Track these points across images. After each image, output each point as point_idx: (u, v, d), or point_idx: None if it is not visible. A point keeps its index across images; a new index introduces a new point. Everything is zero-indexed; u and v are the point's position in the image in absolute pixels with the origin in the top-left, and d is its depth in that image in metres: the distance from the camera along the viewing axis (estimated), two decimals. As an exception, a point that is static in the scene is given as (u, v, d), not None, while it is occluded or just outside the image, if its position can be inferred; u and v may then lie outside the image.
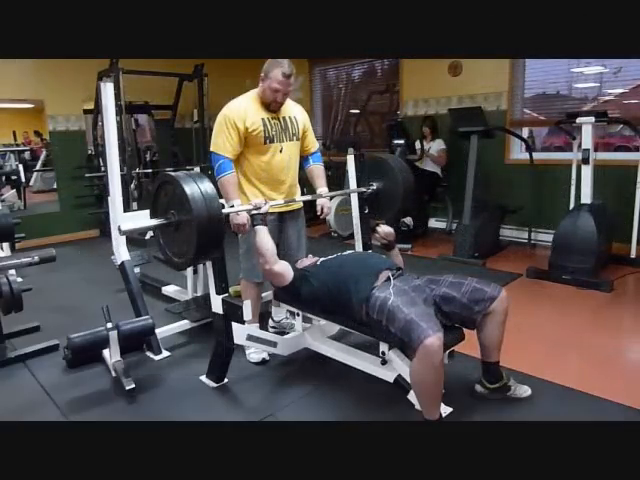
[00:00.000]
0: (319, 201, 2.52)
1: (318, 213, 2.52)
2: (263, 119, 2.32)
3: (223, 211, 1.93)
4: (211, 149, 2.33)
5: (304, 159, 2.62)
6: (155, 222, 1.93)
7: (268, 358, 2.46)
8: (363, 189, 2.67)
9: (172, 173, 1.88)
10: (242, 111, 2.29)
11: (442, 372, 1.72)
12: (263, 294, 2.75)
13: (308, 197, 2.52)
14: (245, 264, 2.49)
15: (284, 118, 2.40)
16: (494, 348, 2.00)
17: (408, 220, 4.89)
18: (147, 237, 4.54)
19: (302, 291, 2.17)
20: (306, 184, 2.78)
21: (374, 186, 2.66)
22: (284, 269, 2.18)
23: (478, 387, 2.09)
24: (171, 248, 1.97)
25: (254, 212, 2.13)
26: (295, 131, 2.44)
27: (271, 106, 2.33)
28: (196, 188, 1.79)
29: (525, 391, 2.07)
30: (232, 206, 2.19)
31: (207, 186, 1.82)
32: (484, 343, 2.01)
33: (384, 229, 2.29)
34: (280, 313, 2.78)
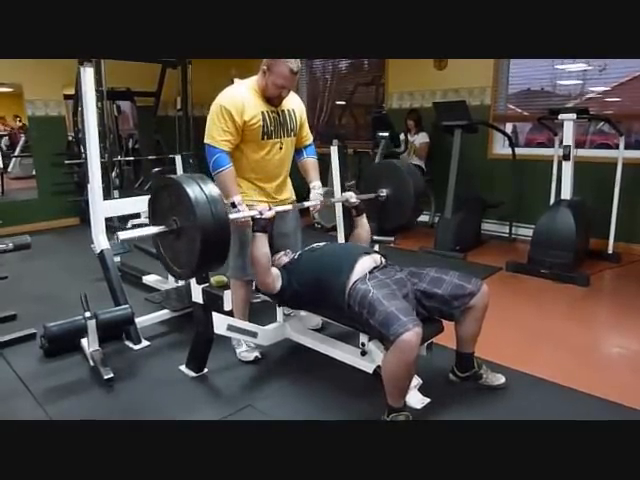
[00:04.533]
0: (313, 196, 2.37)
1: (311, 209, 2.38)
2: (263, 112, 2.18)
3: (230, 217, 1.84)
4: (205, 141, 2.16)
5: (297, 152, 2.46)
6: (155, 230, 1.81)
7: (260, 357, 2.39)
8: (372, 195, 2.57)
9: (172, 176, 1.75)
10: (239, 103, 2.12)
11: (414, 367, 1.73)
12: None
13: (309, 203, 2.36)
14: (235, 261, 2.33)
15: (283, 112, 2.26)
16: (470, 340, 2.05)
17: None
18: (129, 226, 4.48)
19: (285, 293, 2.14)
20: (297, 176, 2.56)
21: (384, 192, 2.56)
22: (276, 278, 2.13)
23: (451, 375, 2.17)
24: (172, 257, 1.86)
25: (257, 217, 2.03)
26: (293, 126, 2.31)
27: (273, 101, 2.20)
28: (199, 191, 1.68)
29: (498, 379, 2.11)
30: (232, 203, 2.09)
31: (211, 189, 1.73)
32: (461, 335, 2.05)
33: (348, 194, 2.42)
34: None
